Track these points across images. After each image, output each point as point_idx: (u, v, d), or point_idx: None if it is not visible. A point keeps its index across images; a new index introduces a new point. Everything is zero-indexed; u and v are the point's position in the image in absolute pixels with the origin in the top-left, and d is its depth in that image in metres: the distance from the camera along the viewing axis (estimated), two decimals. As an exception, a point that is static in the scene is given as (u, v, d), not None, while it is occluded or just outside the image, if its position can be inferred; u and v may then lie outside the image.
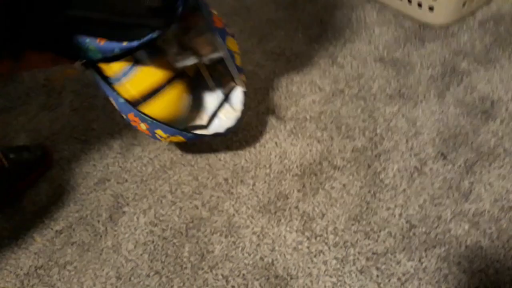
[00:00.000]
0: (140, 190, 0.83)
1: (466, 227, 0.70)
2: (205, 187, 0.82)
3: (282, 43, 1.07)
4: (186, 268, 0.72)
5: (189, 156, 0.87)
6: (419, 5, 1.00)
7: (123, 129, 0.94)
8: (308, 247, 0.72)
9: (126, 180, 0.86)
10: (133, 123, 0.72)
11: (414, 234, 0.71)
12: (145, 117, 0.68)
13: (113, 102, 0.71)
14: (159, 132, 0.71)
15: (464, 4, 0.96)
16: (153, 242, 0.77)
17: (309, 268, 0.70)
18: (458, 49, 0.95)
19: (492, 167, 0.76)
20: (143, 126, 0.71)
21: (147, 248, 0.76)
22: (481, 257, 0.67)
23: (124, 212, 0.81)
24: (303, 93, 0.94)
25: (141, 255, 0.75)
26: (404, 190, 0.76)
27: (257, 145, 0.87)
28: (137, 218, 0.80)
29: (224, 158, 0.86)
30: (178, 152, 0.88)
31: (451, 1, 0.94)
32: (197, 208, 0.79)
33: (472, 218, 0.71)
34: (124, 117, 0.72)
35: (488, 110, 0.83)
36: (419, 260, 0.68)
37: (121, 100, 0.68)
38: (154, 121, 0.69)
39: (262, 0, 1.22)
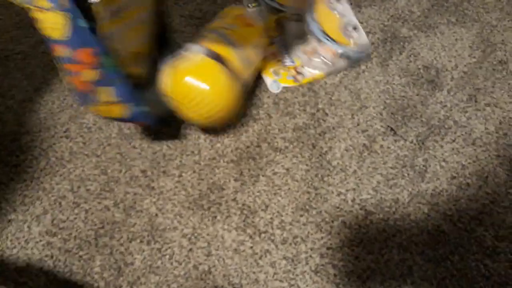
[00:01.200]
0: (30, 191, 0.65)
1: (426, 209, 0.62)
2: (117, 182, 0.65)
3: (203, 6, 0.92)
4: (98, 287, 0.56)
5: (94, 145, 0.69)
6: (353, -34, 0.90)
7: (3, 111, 0.73)
8: (251, 247, 0.60)
9: (12, 179, 0.66)
10: (73, 68, 0.51)
11: (371, 222, 0.61)
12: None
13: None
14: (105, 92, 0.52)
15: (400, -34, 0.89)
16: (52, 257, 0.59)
17: (254, 273, 0.58)
18: (396, 14, 0.87)
19: (444, 141, 0.69)
20: (87, 76, 0.51)
21: (44, 265, 0.58)
22: (444, 243, 0.60)
23: (10, 221, 0.62)
24: (231, 64, 0.80)
25: (36, 276, 0.57)
26: (355, 171, 0.66)
27: (181, 126, 0.72)
28: (29, 227, 0.62)
29: (140, 145, 0.69)
30: (80, 139, 0.70)
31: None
32: (109, 209, 0.63)
33: (430, 199, 0.63)
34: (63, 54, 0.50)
35: (434, 79, 0.77)
36: (380, 253, 0.59)
37: (83, 24, 0.48)
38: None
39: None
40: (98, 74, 0.51)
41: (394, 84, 0.76)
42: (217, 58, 0.61)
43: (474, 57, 0.80)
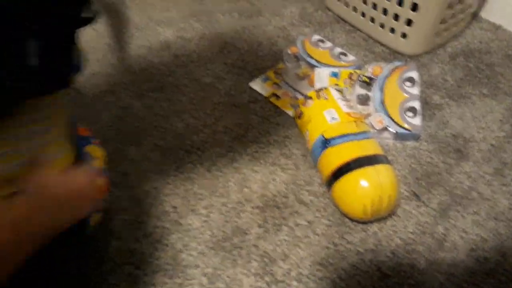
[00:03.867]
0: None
1: (441, 279, 0.63)
2: (148, 215, 0.70)
3: (245, 56, 0.98)
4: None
5: (132, 177, 0.74)
6: (392, 30, 0.95)
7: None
8: (267, 295, 0.62)
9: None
10: None
11: (386, 285, 0.63)
12: None
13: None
14: None
15: (437, 35, 0.93)
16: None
17: (267, 321, 0.60)
18: (430, 81, 0.91)
19: (466, 212, 0.71)
20: None
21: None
22: (457, 315, 0.61)
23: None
24: (267, 113, 0.85)
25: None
26: (375, 232, 0.68)
27: (213, 168, 0.76)
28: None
29: (174, 181, 0.74)
30: (120, 170, 0.75)
31: (425, 29, 0.90)
32: (138, 240, 0.67)
33: (447, 269, 0.64)
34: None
35: (461, 148, 0.79)
36: (392, 316, 0.60)
37: None
38: None
39: (225, 7, 1.12)
40: None
41: (421, 149, 0.79)
42: None
43: (503, 131, 0.82)
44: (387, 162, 0.69)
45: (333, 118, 0.71)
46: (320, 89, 0.77)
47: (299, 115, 0.77)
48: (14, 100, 0.59)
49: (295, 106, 0.80)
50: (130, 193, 0.72)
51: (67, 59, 0.56)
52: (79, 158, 0.63)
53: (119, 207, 0.70)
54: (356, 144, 0.69)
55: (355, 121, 0.72)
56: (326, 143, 0.70)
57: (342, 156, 0.67)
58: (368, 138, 0.71)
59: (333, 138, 0.69)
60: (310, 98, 0.76)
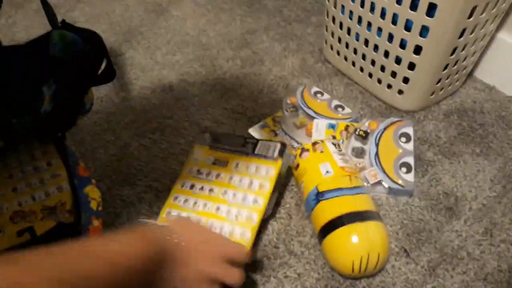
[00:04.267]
0: None
1: None
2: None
3: (245, 102, 1.00)
4: None
5: (123, 218, 0.75)
6: (389, 86, 0.98)
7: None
8: None
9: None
10: None
11: None
12: None
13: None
14: None
15: (432, 93, 0.95)
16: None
17: None
18: (424, 137, 0.93)
19: (455, 272, 0.71)
20: None
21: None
22: None
23: None
24: (262, 160, 0.86)
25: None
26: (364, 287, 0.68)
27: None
28: None
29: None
30: (111, 209, 0.76)
31: (421, 87, 0.92)
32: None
33: (435, 331, 0.64)
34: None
35: (453, 207, 0.80)
36: None
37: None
38: None
39: (229, 54, 1.16)
40: None
41: (413, 205, 0.80)
42: None
43: (494, 191, 0.83)
44: (379, 218, 0.70)
45: (327, 172, 0.73)
46: (317, 142, 0.78)
47: (296, 166, 0.79)
48: (22, 139, 0.62)
49: (292, 157, 0.82)
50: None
51: (78, 105, 0.59)
52: (78, 199, 0.64)
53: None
54: (348, 199, 0.70)
55: (349, 176, 0.73)
56: (319, 196, 0.70)
57: (334, 210, 0.68)
58: (361, 193, 0.72)
59: (327, 192, 0.70)
60: (307, 150, 0.78)
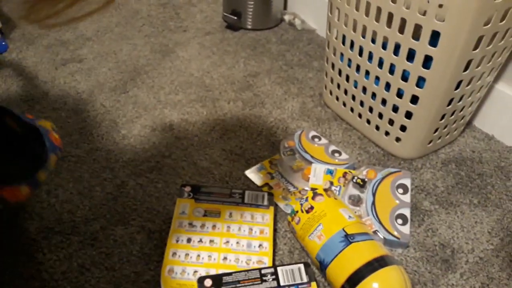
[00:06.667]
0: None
1: None
2: (125, 301, 0.68)
3: (244, 144, 1.01)
4: None
5: (115, 258, 0.74)
6: (386, 133, 0.98)
7: (45, 207, 0.80)
8: None
9: (32, 277, 0.70)
10: None
11: None
12: None
13: None
14: None
15: (430, 142, 0.96)
16: None
17: None
18: (421, 186, 0.92)
19: (450, 329, 0.68)
20: None
21: None
22: None
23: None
24: (257, 204, 0.86)
25: None
26: None
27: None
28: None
29: (156, 267, 0.73)
30: (104, 250, 0.75)
31: (419, 136, 0.93)
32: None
33: None
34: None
35: (449, 259, 0.78)
36: None
37: None
38: None
39: (231, 95, 1.18)
40: None
41: (408, 256, 0.78)
42: None
43: (492, 244, 0.81)
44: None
45: (350, 217, 0.72)
46: (327, 189, 0.78)
47: (308, 209, 0.77)
48: None
49: (301, 200, 0.80)
50: (109, 275, 0.71)
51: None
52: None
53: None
54: (375, 244, 0.70)
55: (364, 224, 0.73)
56: (349, 237, 0.69)
57: (365, 254, 0.67)
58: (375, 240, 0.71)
59: (357, 234, 0.70)
60: (321, 194, 0.77)
